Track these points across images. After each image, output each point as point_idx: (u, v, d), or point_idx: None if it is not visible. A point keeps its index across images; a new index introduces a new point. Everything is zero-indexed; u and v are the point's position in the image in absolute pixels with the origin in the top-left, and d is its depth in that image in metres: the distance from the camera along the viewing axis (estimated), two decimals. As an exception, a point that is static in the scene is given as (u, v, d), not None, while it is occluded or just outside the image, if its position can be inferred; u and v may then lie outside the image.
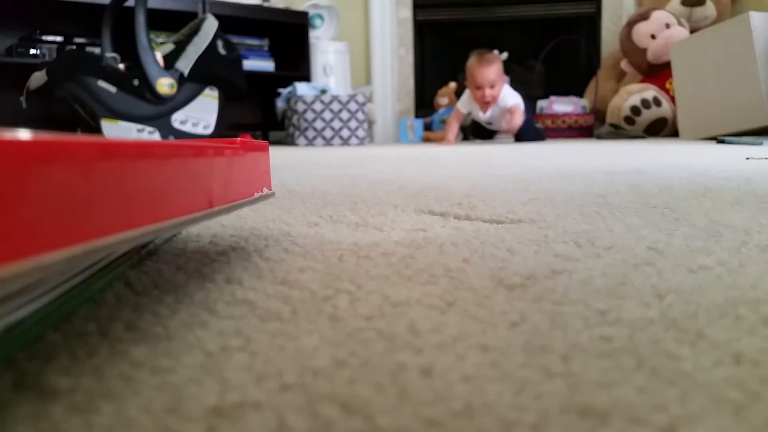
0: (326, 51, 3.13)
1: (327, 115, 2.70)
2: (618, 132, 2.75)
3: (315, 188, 0.72)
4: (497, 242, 0.37)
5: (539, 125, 2.93)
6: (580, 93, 3.34)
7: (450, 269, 0.30)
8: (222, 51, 2.24)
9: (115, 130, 2.04)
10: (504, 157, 1.38)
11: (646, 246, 0.35)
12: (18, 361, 0.18)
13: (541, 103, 3.23)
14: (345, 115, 2.72)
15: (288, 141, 2.82)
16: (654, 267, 0.30)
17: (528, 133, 2.57)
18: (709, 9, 2.98)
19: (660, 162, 1.06)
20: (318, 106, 2.70)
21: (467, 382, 0.17)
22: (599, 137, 2.86)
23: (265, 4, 3.06)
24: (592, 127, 3.15)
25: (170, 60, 2.13)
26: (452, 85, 3.32)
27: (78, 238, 0.15)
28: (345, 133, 2.73)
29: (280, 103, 2.83)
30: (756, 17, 2.02)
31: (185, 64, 2.14)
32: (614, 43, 3.23)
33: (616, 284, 0.27)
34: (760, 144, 1.66)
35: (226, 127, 2.45)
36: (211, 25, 2.22)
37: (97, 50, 2.39)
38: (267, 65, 3.03)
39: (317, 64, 3.11)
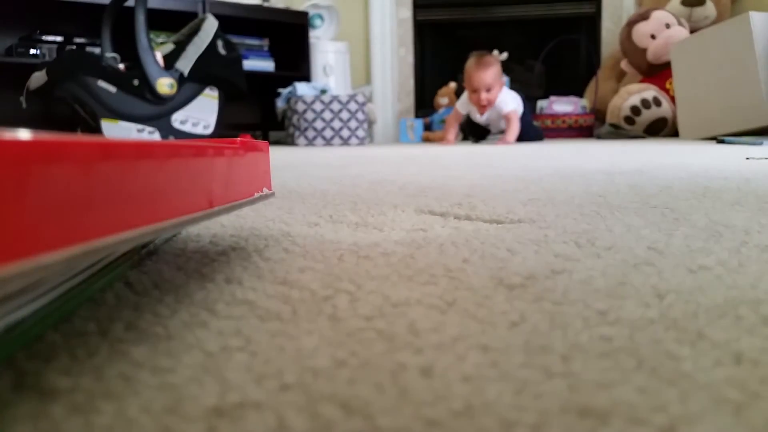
0: (326, 51, 3.13)
1: (327, 115, 2.70)
2: (618, 132, 2.75)
3: (315, 188, 0.72)
4: (497, 242, 0.37)
5: (537, 124, 2.93)
6: (580, 93, 3.34)
7: (450, 269, 0.30)
8: (222, 51, 2.24)
9: (115, 130, 2.04)
10: (504, 157, 1.38)
11: (646, 246, 0.35)
12: (18, 361, 0.18)
13: (541, 103, 3.23)
14: (345, 115, 2.72)
15: (288, 141, 2.82)
16: (654, 267, 0.30)
17: (528, 133, 2.57)
18: (709, 9, 2.98)
19: (660, 162, 1.06)
20: (318, 106, 2.70)
21: (467, 382, 0.17)
22: (599, 137, 2.86)
23: (265, 4, 3.06)
24: (592, 127, 3.15)
25: (170, 60, 2.14)
26: (452, 85, 3.32)
27: (78, 238, 0.15)
28: (345, 133, 2.73)
29: (280, 103, 2.83)
30: (756, 17, 2.02)
31: (185, 64, 2.14)
32: (614, 43, 3.23)
33: (616, 284, 0.27)
34: (760, 144, 1.66)
35: (226, 127, 2.45)
36: (211, 25, 2.22)
37: (97, 50, 2.39)
38: (267, 65, 3.03)
39: (317, 64, 3.11)
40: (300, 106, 2.70)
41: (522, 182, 0.75)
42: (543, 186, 0.70)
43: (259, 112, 3.21)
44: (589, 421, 0.15)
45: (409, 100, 3.58)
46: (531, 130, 2.61)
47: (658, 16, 2.89)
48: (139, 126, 2.08)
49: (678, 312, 0.23)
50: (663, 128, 2.78)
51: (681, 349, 0.19)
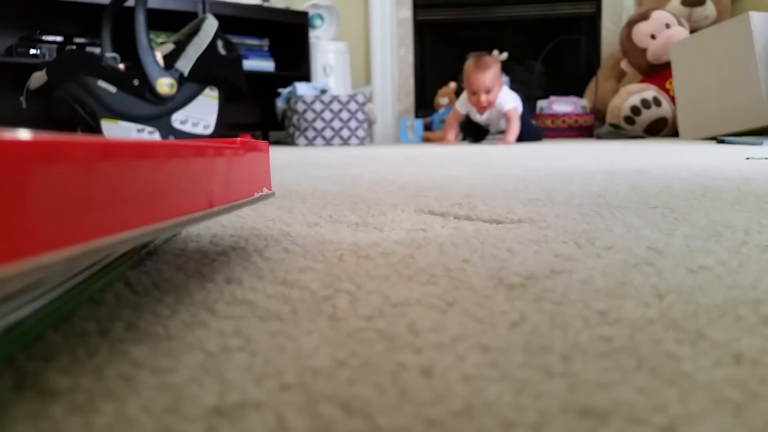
0: (326, 51, 3.13)
1: (327, 115, 2.70)
2: (618, 132, 2.75)
3: (315, 188, 0.72)
4: (497, 242, 0.37)
5: (535, 123, 2.93)
6: (580, 93, 3.34)
7: (450, 269, 0.30)
8: (222, 51, 2.24)
9: (115, 130, 2.04)
10: (504, 157, 1.38)
11: (646, 246, 0.35)
12: (18, 361, 0.18)
13: (541, 103, 3.23)
14: (345, 115, 2.72)
15: (288, 141, 2.82)
16: (654, 267, 0.30)
17: (528, 133, 2.57)
18: (709, 9, 2.98)
19: (660, 162, 1.06)
20: (318, 106, 2.70)
21: (467, 382, 0.17)
22: (599, 137, 2.86)
23: (265, 4, 3.06)
24: (592, 127, 3.15)
25: (170, 60, 2.14)
26: (452, 85, 3.32)
27: (78, 238, 0.15)
28: (345, 133, 2.73)
29: (280, 103, 2.83)
30: (756, 17, 2.02)
31: (185, 64, 2.14)
32: (614, 43, 3.23)
33: (616, 284, 0.27)
34: (760, 144, 1.66)
35: (226, 127, 2.45)
36: (211, 25, 2.22)
37: (97, 50, 2.39)
38: (267, 65, 3.03)
39: (317, 64, 3.11)
40: (300, 106, 2.70)
41: (522, 182, 0.75)
42: (543, 186, 0.70)
43: (259, 112, 3.21)
44: (589, 421, 0.15)
45: (409, 100, 3.58)
46: (530, 130, 2.60)
47: (658, 16, 2.89)
48: (139, 126, 2.08)
49: (678, 312, 0.23)
50: (663, 128, 2.78)
51: (681, 349, 0.19)
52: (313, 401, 0.16)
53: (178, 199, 0.22)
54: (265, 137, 3.15)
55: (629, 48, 2.98)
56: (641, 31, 2.91)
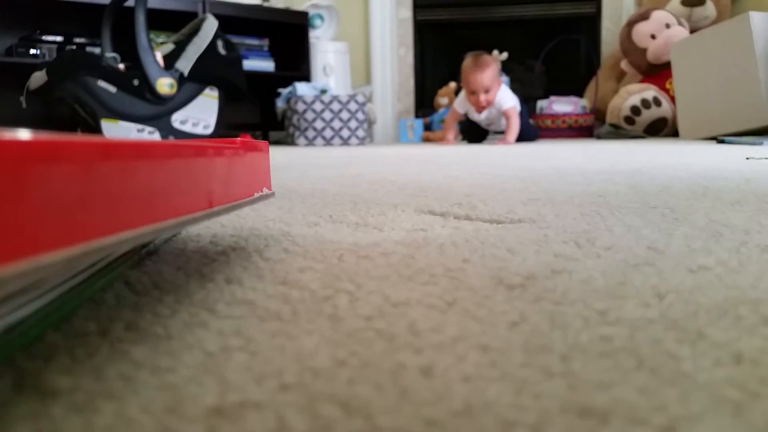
0: (326, 51, 3.13)
1: (327, 115, 2.70)
2: (618, 132, 2.75)
3: (315, 188, 0.72)
4: (497, 242, 0.37)
5: (533, 122, 2.92)
6: (580, 93, 3.34)
7: (450, 269, 0.30)
8: (222, 51, 2.24)
9: (115, 130, 2.04)
10: (504, 157, 1.38)
11: (646, 246, 0.35)
12: (18, 361, 0.18)
13: (541, 103, 3.23)
14: (345, 115, 2.72)
15: (288, 141, 2.82)
16: (654, 267, 0.30)
17: (528, 134, 2.57)
18: (709, 9, 2.98)
19: (660, 162, 1.06)
20: (318, 106, 2.70)
21: (467, 382, 0.17)
22: (599, 137, 2.86)
23: (265, 4, 3.06)
24: (592, 127, 3.15)
25: (170, 60, 2.14)
26: (452, 85, 3.32)
27: (78, 238, 0.15)
28: (345, 133, 2.73)
29: (280, 103, 2.83)
30: (756, 17, 2.02)
31: (185, 64, 2.14)
32: (614, 43, 3.23)
33: (616, 284, 0.27)
34: (760, 144, 1.66)
35: (226, 127, 2.45)
36: (211, 25, 2.22)
37: (97, 50, 2.39)
38: (267, 65, 3.03)
39: (317, 64, 3.11)
40: (300, 106, 2.70)
41: (522, 182, 0.75)
42: (543, 186, 0.70)
43: (259, 112, 3.21)
44: (589, 421, 0.15)
45: (409, 100, 3.58)
46: (528, 130, 2.61)
47: (658, 16, 2.89)
48: (139, 126, 2.08)
49: (678, 312, 0.23)
50: (663, 128, 2.78)
51: (681, 349, 0.19)
52: (313, 401, 0.16)
53: (178, 199, 0.22)
54: (265, 137, 3.15)
55: (629, 48, 2.98)
56: (641, 31, 2.91)
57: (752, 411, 0.15)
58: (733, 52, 2.09)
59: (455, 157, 1.42)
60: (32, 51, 2.45)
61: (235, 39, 2.63)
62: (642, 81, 2.95)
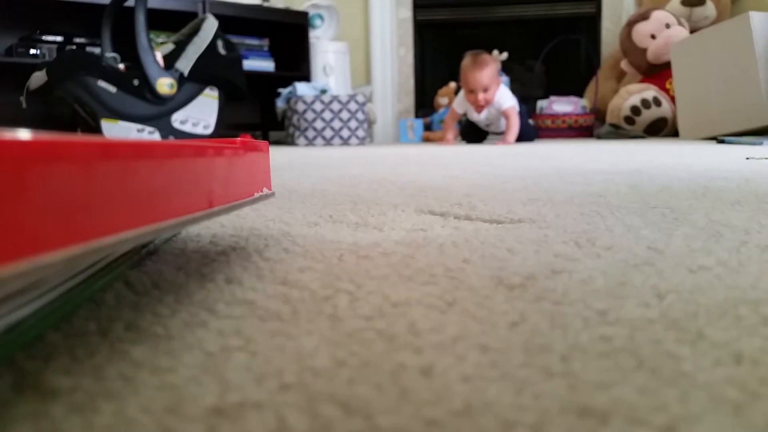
0: (326, 51, 3.13)
1: (327, 115, 2.70)
2: (618, 132, 2.75)
3: (315, 188, 0.72)
4: (497, 242, 0.37)
5: (532, 122, 2.92)
6: (580, 93, 3.34)
7: (450, 269, 0.30)
8: (222, 51, 2.24)
9: (115, 130, 2.04)
10: (504, 157, 1.38)
11: (646, 246, 0.35)
12: (18, 361, 0.18)
13: (541, 103, 3.23)
14: (345, 115, 2.72)
15: (288, 141, 2.82)
16: (654, 267, 0.30)
17: (527, 134, 2.57)
18: (709, 9, 2.98)
19: (660, 162, 1.06)
20: (318, 106, 2.70)
21: (467, 382, 0.17)
22: (599, 137, 2.86)
23: (265, 4, 3.06)
24: (592, 127, 3.15)
25: (170, 60, 2.14)
26: (452, 85, 3.32)
27: (78, 238, 0.15)
28: (345, 133, 2.73)
29: (280, 103, 2.83)
30: (756, 17, 2.02)
31: (185, 64, 2.14)
32: (614, 43, 3.23)
33: (616, 284, 0.27)
34: (760, 144, 1.66)
35: (226, 127, 2.45)
36: (211, 25, 2.22)
37: (97, 50, 2.39)
38: (267, 65, 3.03)
39: (317, 64, 3.11)
40: (300, 106, 2.70)
41: (522, 182, 0.75)
42: (543, 186, 0.70)
43: (259, 112, 3.21)
44: (589, 421, 0.15)
45: (409, 100, 3.58)
46: (527, 130, 2.61)
47: (658, 16, 2.89)
48: (139, 126, 2.08)
49: (678, 312, 0.23)
50: (663, 128, 2.78)
51: (681, 349, 0.19)
52: (313, 401, 0.16)
53: (178, 199, 0.22)
54: (265, 137, 3.15)
55: (629, 48, 2.98)
56: (641, 31, 2.91)
57: (752, 411, 0.15)
58: (733, 52, 2.09)
59: (455, 157, 1.42)
60: (32, 51, 2.45)
61: (235, 39, 2.63)
62: (642, 81, 2.95)
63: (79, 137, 0.15)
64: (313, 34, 3.18)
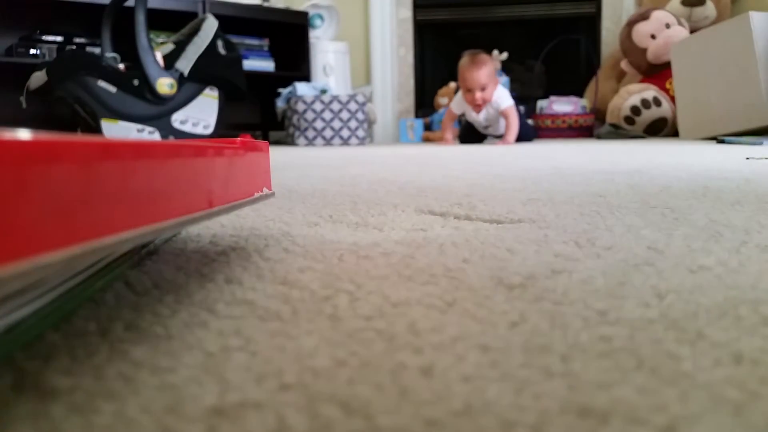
0: (326, 51, 3.13)
1: (327, 115, 2.70)
2: (618, 132, 2.75)
3: (315, 188, 0.72)
4: (497, 242, 0.37)
5: (531, 122, 2.92)
6: (580, 93, 3.34)
7: (450, 269, 0.30)
8: (222, 51, 2.24)
9: (115, 130, 2.04)
10: (504, 157, 1.38)
11: (646, 246, 0.35)
12: (18, 361, 0.18)
13: (541, 103, 3.23)
14: (345, 115, 2.72)
15: (288, 141, 2.82)
16: (654, 267, 0.30)
17: (526, 134, 2.57)
18: (709, 9, 2.98)
19: (660, 162, 1.06)
20: (318, 106, 2.70)
21: (467, 382, 0.17)
22: (599, 137, 2.86)
23: (265, 4, 3.06)
24: (592, 127, 3.15)
25: (170, 60, 2.13)
26: (452, 85, 3.32)
27: (78, 238, 0.15)
28: (345, 133, 2.73)
29: (280, 103, 2.83)
30: (756, 17, 2.02)
31: (185, 64, 2.14)
32: (614, 43, 3.23)
33: (616, 284, 0.27)
34: (760, 144, 1.66)
35: (226, 127, 2.45)
36: (211, 25, 2.22)
37: (97, 50, 2.39)
38: (267, 65, 3.03)
39: (317, 64, 3.11)
40: (300, 106, 2.70)
41: (522, 182, 0.75)
42: (543, 186, 0.70)
43: (259, 112, 3.21)
44: (589, 421, 0.15)
45: (409, 100, 3.58)
46: (526, 129, 2.61)
47: (658, 16, 2.89)
48: (139, 126, 2.08)
49: (678, 312, 0.23)
50: (663, 128, 2.78)
51: (681, 349, 0.19)
52: (313, 401, 0.16)
53: (178, 199, 0.22)
54: (265, 137, 3.15)
55: (629, 48, 2.98)
56: (641, 31, 2.91)
57: (752, 411, 0.15)
58: (733, 52, 2.09)
59: (455, 157, 1.42)
60: (32, 51, 2.45)
61: (235, 39, 2.63)
62: (642, 81, 2.95)
63: (79, 137, 0.15)
64: (313, 34, 3.18)
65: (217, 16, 2.31)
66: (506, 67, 3.32)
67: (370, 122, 2.85)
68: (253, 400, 0.16)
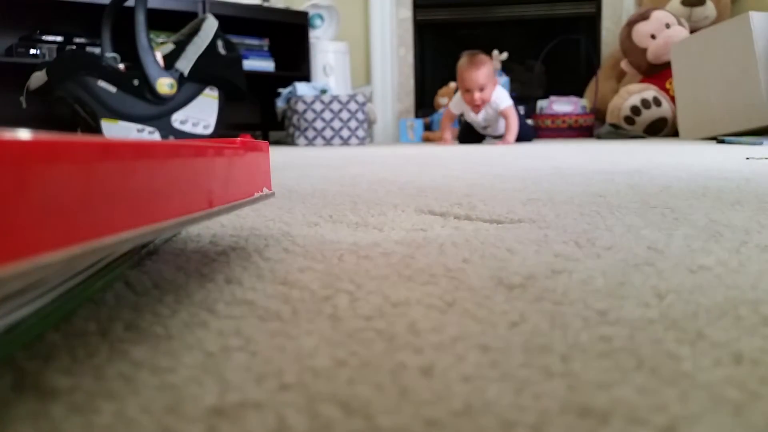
0: (326, 51, 3.13)
1: (327, 115, 2.70)
2: (618, 132, 2.75)
3: (315, 188, 0.72)
4: (497, 242, 0.37)
5: (531, 122, 2.92)
6: (580, 93, 3.34)
7: (450, 269, 0.30)
8: (222, 51, 2.24)
9: (115, 130, 2.04)
10: (504, 157, 1.38)
11: (646, 246, 0.35)
12: (18, 361, 0.18)
13: (541, 103, 3.23)
14: (345, 115, 2.72)
15: (288, 141, 2.82)
16: (654, 267, 0.30)
17: (525, 134, 2.57)
18: (709, 9, 2.98)
19: (660, 162, 1.06)
20: (318, 106, 2.70)
21: (467, 382, 0.17)
22: (599, 137, 2.86)
23: (265, 4, 3.06)
24: (592, 127, 3.15)
25: (170, 60, 2.14)
26: (452, 85, 3.32)
27: (78, 238, 0.15)
28: (345, 133, 2.73)
29: (280, 103, 2.83)
30: (756, 17, 2.02)
31: (185, 64, 2.14)
32: (614, 43, 3.23)
33: (616, 284, 0.27)
34: (760, 144, 1.66)
35: (226, 127, 2.45)
36: (211, 25, 2.22)
37: (97, 50, 2.39)
38: (267, 65, 3.03)
39: (317, 64, 3.11)
40: (300, 106, 2.70)
41: (522, 182, 0.75)
42: (543, 186, 0.70)
43: (259, 112, 3.21)
44: (589, 421, 0.15)
45: (409, 100, 3.58)
46: (525, 129, 2.61)
47: (658, 16, 2.89)
48: (139, 126, 2.08)
49: (678, 312, 0.23)
50: (663, 128, 2.78)
51: (681, 349, 0.19)
52: (313, 401, 0.16)
53: (178, 199, 0.22)
54: (265, 137, 3.15)
55: (629, 48, 2.98)
56: (641, 31, 2.91)
57: (752, 411, 0.15)
58: (733, 52, 2.09)
59: (455, 157, 1.42)
60: (32, 51, 2.45)
61: (235, 39, 2.63)
62: (642, 81, 2.95)
63: (79, 137, 0.15)
64: (313, 34, 3.18)
65: (217, 16, 2.31)
66: (506, 67, 3.32)
67: (370, 122, 2.85)
68: (253, 400, 0.16)
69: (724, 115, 2.13)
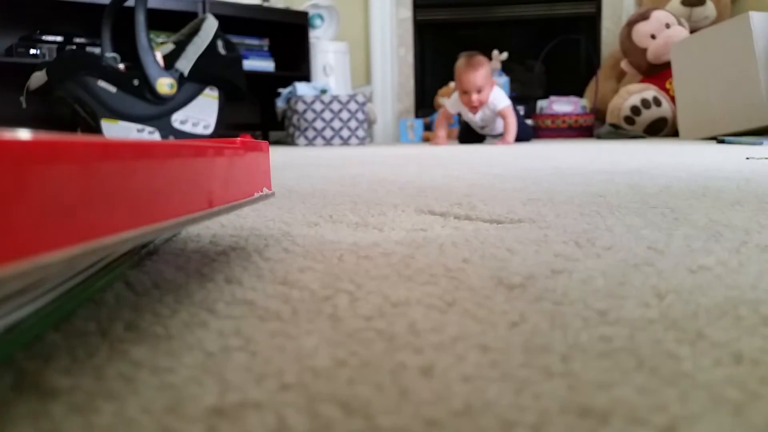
0: (326, 51, 3.13)
1: (327, 115, 2.70)
2: (618, 132, 2.75)
3: (315, 188, 0.72)
4: (497, 242, 0.37)
5: (530, 122, 2.92)
6: (580, 93, 3.34)
7: (450, 269, 0.30)
8: (222, 51, 2.24)
9: (115, 130, 2.04)
10: (503, 157, 1.38)
11: (646, 246, 0.35)
12: (18, 361, 0.18)
13: (541, 103, 3.23)
14: (345, 115, 2.72)
15: (288, 141, 2.82)
16: (654, 267, 0.30)
17: (524, 134, 2.57)
18: (709, 9, 2.98)
19: (660, 162, 1.06)
20: (318, 106, 2.70)
21: (467, 382, 0.17)
22: (599, 137, 2.86)
23: (265, 4, 3.06)
24: (592, 127, 3.15)
25: (170, 60, 2.13)
26: (452, 85, 3.31)
27: (78, 238, 0.15)
28: (345, 133, 2.73)
29: (280, 103, 2.83)
30: (756, 17, 2.02)
31: (185, 64, 2.14)
32: (614, 43, 3.23)
33: (616, 284, 0.27)
34: (760, 144, 1.66)
35: (226, 127, 2.45)
36: (211, 25, 2.22)
37: (97, 50, 2.39)
38: (267, 65, 3.03)
39: (317, 64, 3.11)
40: (300, 106, 2.70)
41: (522, 182, 0.75)
42: (543, 186, 0.70)
43: (259, 112, 3.21)
44: (589, 421, 0.15)
45: (409, 100, 3.58)
46: (525, 130, 2.61)
47: (658, 16, 2.89)
48: (139, 126, 2.08)
49: (678, 312, 0.23)
50: (663, 128, 2.78)
51: (681, 349, 0.19)
52: (313, 401, 0.16)
53: (178, 199, 0.22)
54: (265, 137, 3.15)
55: (629, 48, 2.98)
56: (641, 31, 2.91)
57: (752, 411, 0.15)
58: (733, 52, 2.09)
59: (455, 157, 1.42)
60: (32, 51, 2.45)
61: (235, 39, 2.62)
62: (642, 81, 2.95)
63: (79, 137, 0.15)
64: (313, 34, 3.18)
65: (217, 16, 2.31)
66: (506, 67, 3.31)
67: (370, 122, 2.85)
68: (253, 400, 0.16)
69: (724, 115, 2.13)
